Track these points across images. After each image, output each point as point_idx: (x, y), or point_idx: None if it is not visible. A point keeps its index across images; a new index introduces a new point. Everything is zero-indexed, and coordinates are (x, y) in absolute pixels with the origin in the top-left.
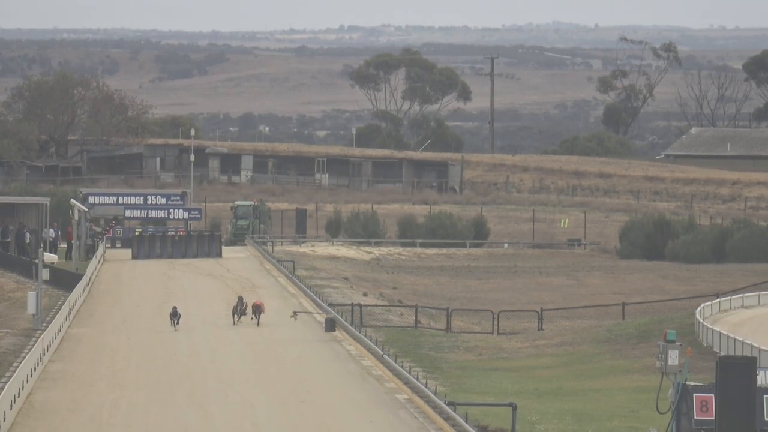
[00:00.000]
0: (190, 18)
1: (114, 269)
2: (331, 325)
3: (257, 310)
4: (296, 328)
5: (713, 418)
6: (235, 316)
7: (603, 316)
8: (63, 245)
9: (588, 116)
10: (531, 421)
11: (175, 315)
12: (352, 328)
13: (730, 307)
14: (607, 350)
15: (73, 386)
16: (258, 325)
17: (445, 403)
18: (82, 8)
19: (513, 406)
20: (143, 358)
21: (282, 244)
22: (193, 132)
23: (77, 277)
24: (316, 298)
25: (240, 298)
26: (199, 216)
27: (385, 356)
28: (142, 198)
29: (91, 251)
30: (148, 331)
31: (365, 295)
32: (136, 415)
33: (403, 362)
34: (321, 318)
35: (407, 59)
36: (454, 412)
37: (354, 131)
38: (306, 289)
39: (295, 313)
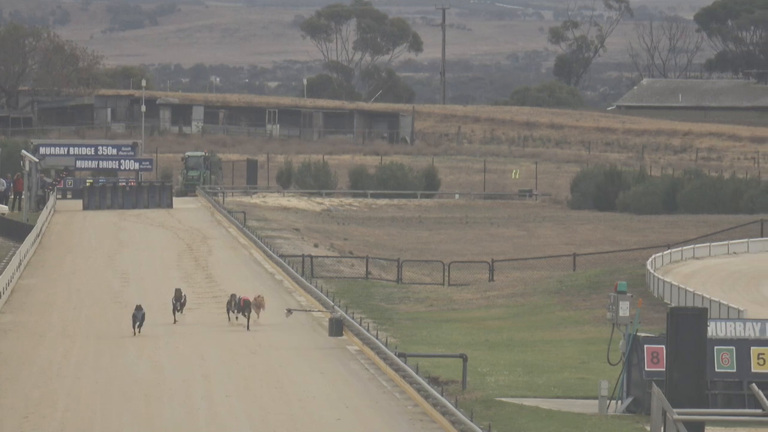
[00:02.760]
0: None
1: (65, 220)
2: (337, 328)
3: (255, 306)
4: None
5: (664, 369)
6: (231, 313)
7: (554, 267)
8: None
9: (539, 67)
10: (481, 373)
11: (137, 318)
12: (302, 279)
13: (681, 258)
14: (557, 301)
15: (23, 337)
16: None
17: (395, 354)
18: None
19: (464, 358)
20: (94, 310)
21: (233, 195)
22: (144, 83)
23: (28, 228)
24: (267, 249)
25: (232, 296)
26: (150, 167)
27: (335, 307)
28: (93, 149)
29: (41, 202)
30: (98, 282)
31: (316, 246)
32: (87, 366)
33: (353, 313)
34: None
35: (358, 10)
36: (405, 363)
37: (305, 82)
38: (257, 239)
39: (289, 311)
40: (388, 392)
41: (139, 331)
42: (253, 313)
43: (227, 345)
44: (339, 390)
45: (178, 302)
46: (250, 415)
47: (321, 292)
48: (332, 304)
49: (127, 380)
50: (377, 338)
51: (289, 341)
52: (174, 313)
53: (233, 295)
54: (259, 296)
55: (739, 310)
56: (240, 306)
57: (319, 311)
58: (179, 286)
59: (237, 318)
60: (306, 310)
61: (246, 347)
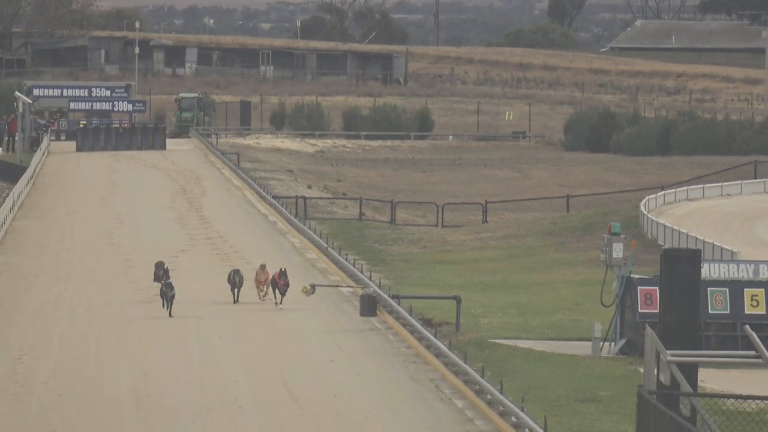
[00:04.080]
0: None
1: (58, 162)
2: (369, 305)
3: (276, 285)
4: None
5: (657, 310)
6: (235, 290)
7: (547, 208)
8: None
9: (533, 9)
10: (475, 314)
11: (166, 295)
12: (296, 220)
13: (675, 200)
14: (551, 243)
15: (17, 279)
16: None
17: (389, 296)
18: None
19: (457, 299)
20: (87, 251)
21: (226, 137)
22: (137, 24)
23: (21, 170)
24: (260, 190)
25: (236, 271)
26: (143, 108)
27: (329, 249)
28: (86, 90)
29: (35, 144)
30: (92, 224)
31: (309, 187)
32: (81, 308)
33: (347, 255)
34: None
35: None
36: (398, 305)
37: (299, 23)
38: (250, 181)
39: (312, 286)
40: (381, 334)
41: (170, 312)
42: (265, 289)
43: (216, 285)
44: (332, 331)
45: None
46: (244, 355)
47: (314, 233)
48: (325, 245)
49: (121, 322)
50: (370, 279)
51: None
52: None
53: (236, 271)
54: (262, 269)
55: (732, 252)
56: (272, 282)
57: (348, 287)
58: (172, 228)
59: (238, 297)
60: (334, 286)
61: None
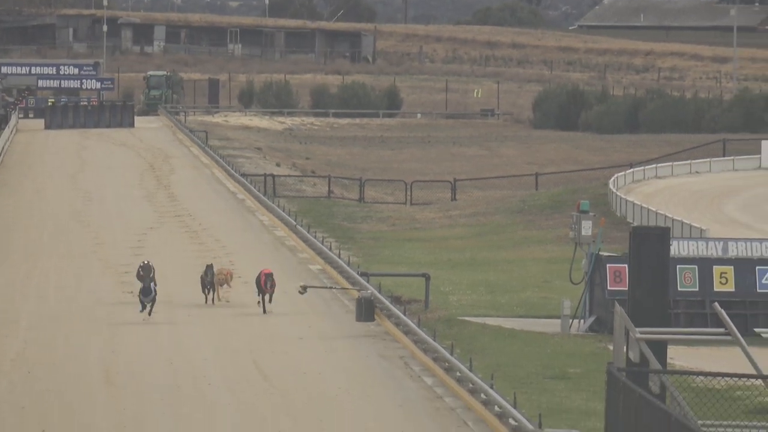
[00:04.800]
0: None
1: (27, 139)
2: (366, 310)
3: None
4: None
5: (626, 288)
6: (206, 290)
7: (516, 186)
8: None
9: None
10: (444, 292)
11: (148, 293)
12: (264, 198)
13: (644, 178)
14: (520, 221)
15: None
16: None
17: (358, 273)
18: None
19: (426, 277)
20: (56, 230)
21: (195, 114)
22: (105, 2)
23: None
24: (229, 168)
25: (208, 267)
26: (111, 86)
27: (298, 226)
28: (54, 68)
29: (3, 121)
30: (61, 202)
31: (278, 165)
32: (49, 285)
33: (316, 232)
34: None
35: None
36: (367, 282)
37: (267, 1)
38: (219, 159)
39: (303, 287)
40: (351, 311)
41: (149, 314)
42: (220, 290)
43: (184, 263)
44: (301, 309)
45: (209, 278)
46: (213, 333)
47: (283, 211)
48: (294, 223)
49: (90, 300)
50: (339, 257)
51: (254, 263)
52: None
53: (209, 266)
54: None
55: (701, 229)
56: (260, 284)
57: (341, 288)
58: (139, 205)
59: (210, 297)
60: (326, 287)
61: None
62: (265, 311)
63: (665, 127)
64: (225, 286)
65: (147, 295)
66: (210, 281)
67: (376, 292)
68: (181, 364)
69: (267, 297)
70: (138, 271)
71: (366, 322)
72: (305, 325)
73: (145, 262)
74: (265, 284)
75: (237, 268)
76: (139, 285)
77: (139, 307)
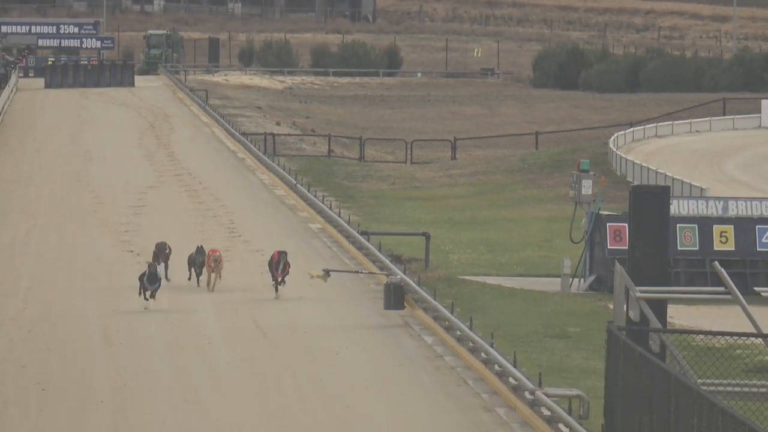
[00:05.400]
0: None
1: (27, 99)
2: (396, 296)
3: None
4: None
5: (627, 247)
6: (193, 269)
7: (516, 145)
8: None
9: None
10: (444, 251)
11: (154, 280)
12: (264, 157)
13: (644, 137)
14: (520, 180)
15: None
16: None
17: (358, 232)
18: None
19: (426, 236)
20: (56, 188)
21: (195, 74)
22: None
23: None
24: (229, 127)
25: (199, 248)
26: (111, 45)
27: (298, 185)
28: (54, 27)
29: (3, 81)
30: (61, 161)
31: (278, 124)
32: (49, 244)
33: (316, 191)
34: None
35: None
36: (368, 241)
37: None
38: (219, 117)
39: (326, 272)
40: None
41: (153, 299)
42: (209, 276)
43: (184, 222)
44: (302, 269)
45: (199, 259)
46: (214, 292)
47: (283, 170)
48: (294, 182)
49: (90, 259)
50: (339, 216)
51: (255, 222)
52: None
53: (199, 249)
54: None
55: (701, 188)
56: (272, 265)
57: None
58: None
59: (198, 278)
60: (352, 272)
61: (222, 225)
62: (277, 291)
63: (665, 87)
64: (215, 275)
65: (153, 283)
66: (201, 262)
67: (404, 276)
68: (179, 321)
69: (279, 280)
70: (155, 255)
71: (395, 309)
72: (307, 285)
73: (160, 242)
74: (277, 267)
75: (237, 227)
76: (144, 267)
77: (139, 291)
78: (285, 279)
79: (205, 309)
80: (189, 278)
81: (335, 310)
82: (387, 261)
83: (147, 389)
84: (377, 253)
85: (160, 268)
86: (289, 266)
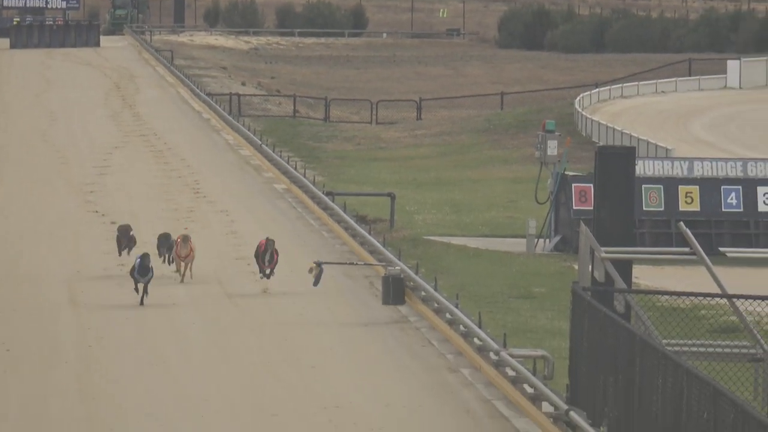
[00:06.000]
0: None
1: None
2: (395, 290)
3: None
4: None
5: (592, 207)
6: (163, 257)
7: (481, 106)
8: None
9: None
10: (409, 211)
11: (146, 272)
12: (229, 117)
13: (609, 97)
14: (485, 140)
15: None
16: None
17: (323, 193)
18: None
19: (391, 196)
20: (22, 149)
21: (160, 34)
22: None
23: None
24: (194, 87)
25: (125, 228)
26: (77, 5)
27: (263, 146)
28: None
29: None
30: (26, 122)
31: (243, 84)
32: (14, 205)
33: (281, 152)
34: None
35: None
36: (333, 202)
37: None
38: (184, 78)
39: (318, 264)
40: (315, 231)
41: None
42: (179, 265)
43: (149, 182)
44: (267, 229)
45: (125, 239)
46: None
47: (248, 130)
48: (259, 142)
49: (55, 219)
50: (304, 176)
51: (220, 182)
52: (120, 251)
53: (162, 236)
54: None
55: (667, 149)
56: (259, 255)
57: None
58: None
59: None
60: (345, 263)
61: (182, 180)
62: (265, 277)
63: (631, 47)
64: (184, 264)
65: (145, 275)
66: (168, 249)
67: (405, 268)
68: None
69: (268, 271)
70: (119, 240)
71: (395, 305)
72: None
73: (123, 225)
74: (263, 257)
75: (201, 188)
76: (129, 257)
77: (135, 287)
78: (274, 270)
79: (175, 279)
80: (164, 261)
81: (299, 271)
82: (352, 221)
83: (112, 350)
84: (342, 214)
85: (147, 259)
86: (277, 255)
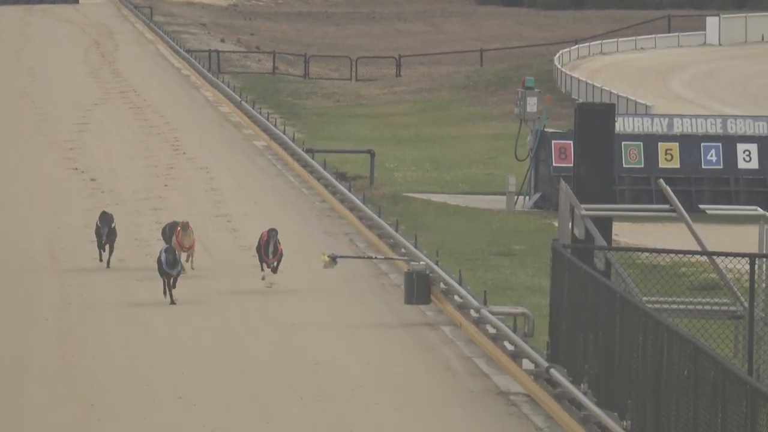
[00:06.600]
0: None
1: None
2: (420, 288)
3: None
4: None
5: (572, 164)
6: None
7: (461, 62)
8: None
9: None
10: (389, 168)
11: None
12: (209, 74)
13: (589, 54)
14: (465, 97)
15: None
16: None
17: (303, 150)
18: None
19: (371, 153)
20: (1, 106)
21: None
22: None
23: None
24: (174, 44)
25: (107, 218)
26: None
27: (242, 102)
28: None
29: None
30: (5, 78)
31: (223, 41)
32: None
33: (260, 109)
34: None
35: None
36: (312, 159)
37: None
38: (163, 35)
39: (332, 258)
40: (295, 188)
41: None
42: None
43: (129, 139)
44: (247, 186)
45: (104, 230)
46: (159, 207)
47: (228, 87)
48: (239, 99)
49: (34, 175)
50: (284, 133)
51: (199, 138)
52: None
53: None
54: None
55: (646, 106)
56: (261, 248)
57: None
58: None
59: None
60: (363, 257)
61: (159, 137)
62: (265, 273)
63: (610, 3)
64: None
65: (174, 267)
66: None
67: (430, 262)
68: (124, 236)
69: (272, 266)
70: (98, 227)
71: (420, 304)
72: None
73: (104, 212)
74: (266, 249)
75: (181, 144)
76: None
77: (164, 290)
78: (279, 265)
79: (149, 219)
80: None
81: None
82: (332, 178)
83: (91, 308)
84: (322, 171)
85: (172, 253)
86: (281, 247)
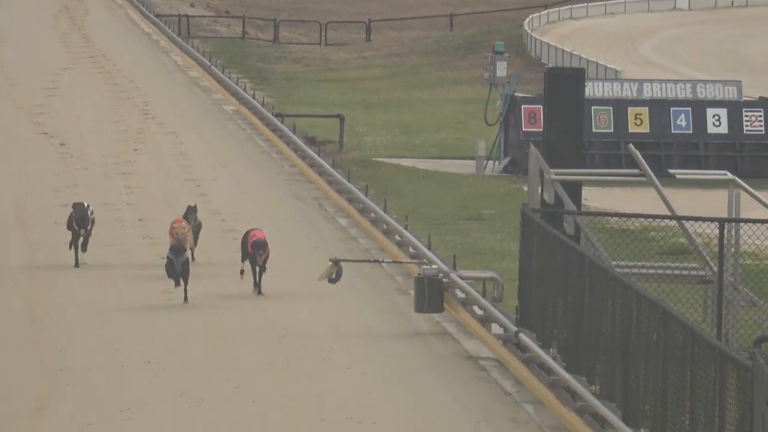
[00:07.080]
0: None
1: None
2: (432, 295)
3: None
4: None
5: (541, 129)
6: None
7: (431, 27)
8: None
9: None
10: (359, 133)
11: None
12: (178, 39)
13: (558, 19)
14: (434, 61)
15: None
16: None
17: (272, 114)
18: None
19: (341, 118)
20: None
21: None
22: None
23: None
24: (143, 9)
25: (81, 209)
26: None
27: (212, 67)
28: None
29: None
30: None
31: (192, 5)
32: None
33: (230, 73)
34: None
35: None
36: (282, 123)
37: None
38: None
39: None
40: (265, 152)
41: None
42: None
43: (98, 104)
44: (216, 150)
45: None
46: (126, 171)
47: (197, 51)
48: (208, 63)
49: (4, 140)
50: (254, 98)
51: (170, 103)
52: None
53: (83, 207)
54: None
55: (616, 71)
56: (250, 251)
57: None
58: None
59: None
60: (368, 261)
61: (130, 111)
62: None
63: None
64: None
65: (179, 255)
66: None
67: (442, 265)
68: (94, 202)
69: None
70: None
71: (431, 312)
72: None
73: (78, 203)
74: (257, 251)
75: (151, 109)
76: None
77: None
78: (265, 265)
79: (119, 184)
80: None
81: (248, 191)
82: (301, 142)
83: (61, 271)
84: (291, 135)
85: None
86: (266, 250)
